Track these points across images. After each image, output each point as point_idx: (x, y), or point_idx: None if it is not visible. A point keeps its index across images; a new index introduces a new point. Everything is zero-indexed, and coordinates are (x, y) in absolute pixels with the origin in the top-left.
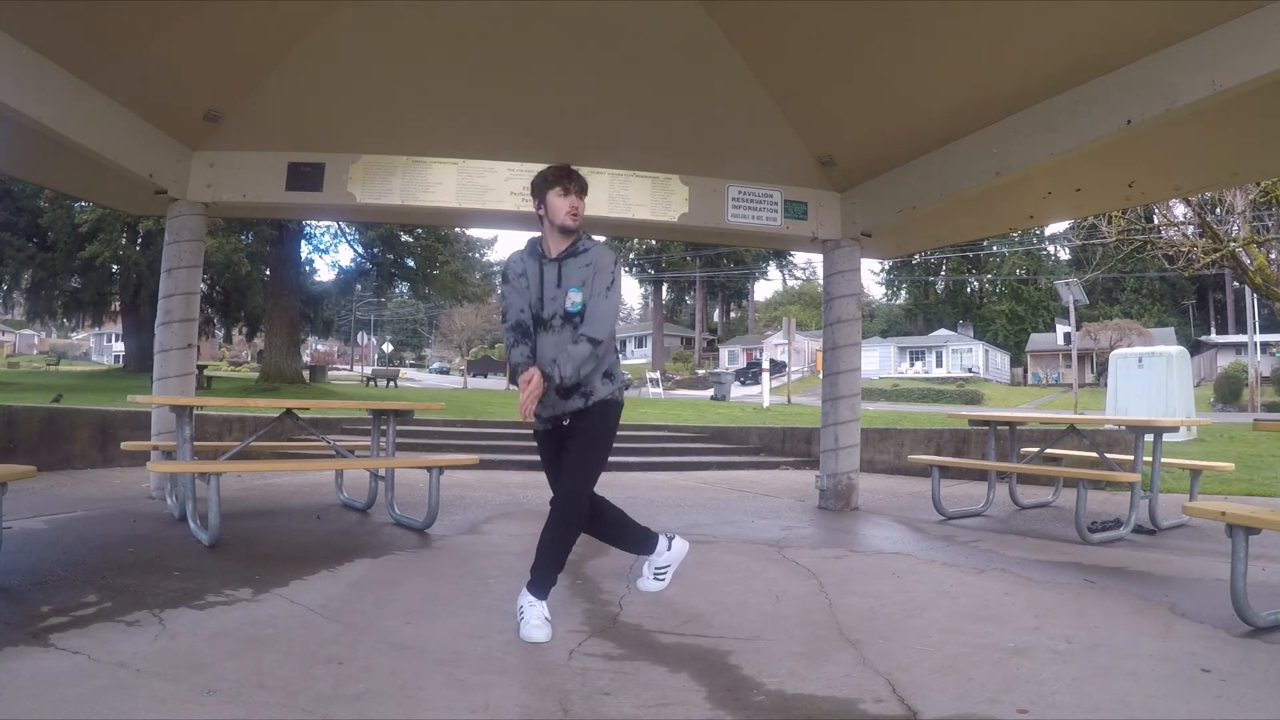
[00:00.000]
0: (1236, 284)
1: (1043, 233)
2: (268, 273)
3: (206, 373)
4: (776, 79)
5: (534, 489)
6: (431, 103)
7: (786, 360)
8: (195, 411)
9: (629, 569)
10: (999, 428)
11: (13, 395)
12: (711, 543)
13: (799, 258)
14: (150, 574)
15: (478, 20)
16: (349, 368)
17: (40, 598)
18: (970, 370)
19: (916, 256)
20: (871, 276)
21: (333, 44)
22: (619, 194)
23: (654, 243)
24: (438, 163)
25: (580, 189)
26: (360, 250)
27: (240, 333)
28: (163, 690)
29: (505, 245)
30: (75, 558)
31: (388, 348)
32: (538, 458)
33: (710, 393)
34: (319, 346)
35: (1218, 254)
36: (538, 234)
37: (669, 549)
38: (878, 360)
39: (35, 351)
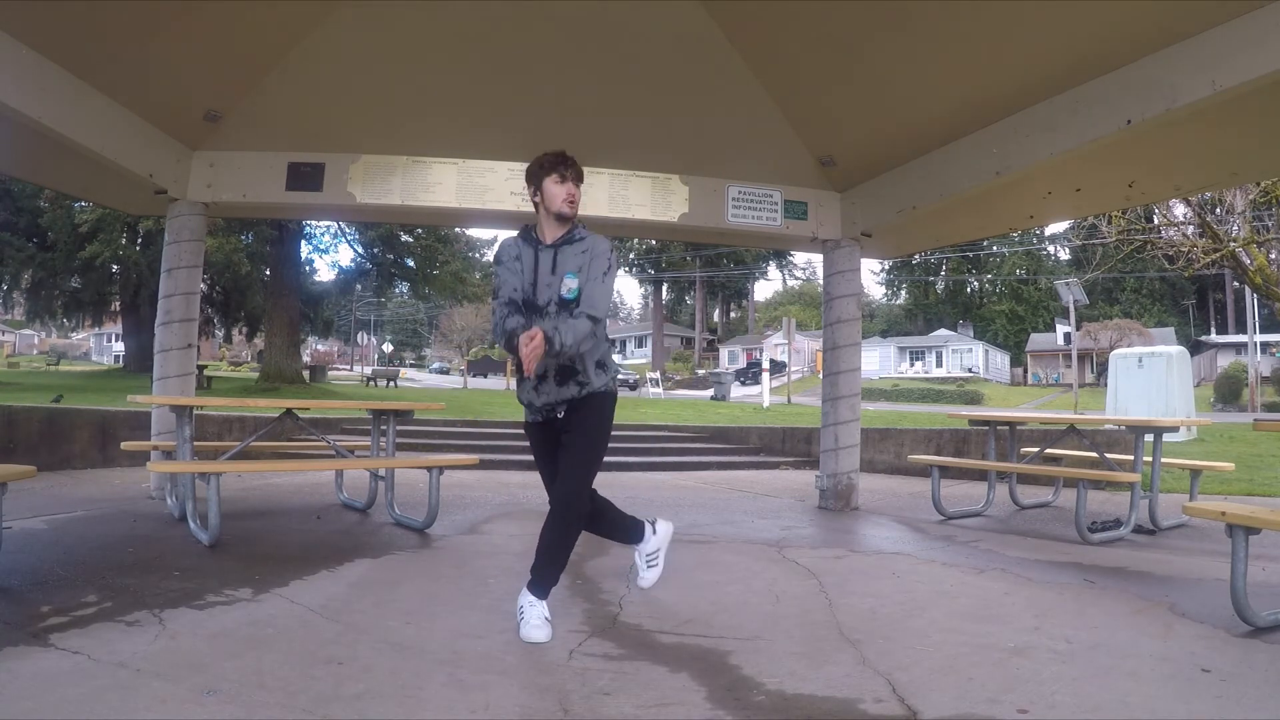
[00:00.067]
0: (1236, 284)
1: (1043, 233)
2: (268, 273)
3: (206, 373)
4: (776, 79)
5: (534, 489)
6: (431, 103)
7: (786, 360)
8: (195, 411)
9: (629, 569)
10: (999, 428)
11: (13, 395)
12: (711, 543)
13: (799, 258)
14: (150, 574)
15: (478, 20)
16: (349, 368)
17: (40, 598)
18: (970, 370)
19: (916, 256)
20: (871, 276)
21: (333, 44)
22: (619, 194)
23: (654, 243)
24: (438, 163)
25: (577, 176)
26: (360, 250)
27: (240, 333)
28: (163, 690)
29: None
30: (75, 558)
31: (388, 348)
32: None
33: (710, 393)
34: (319, 346)
35: (1218, 254)
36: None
37: (654, 533)
38: (878, 360)
39: (35, 351)
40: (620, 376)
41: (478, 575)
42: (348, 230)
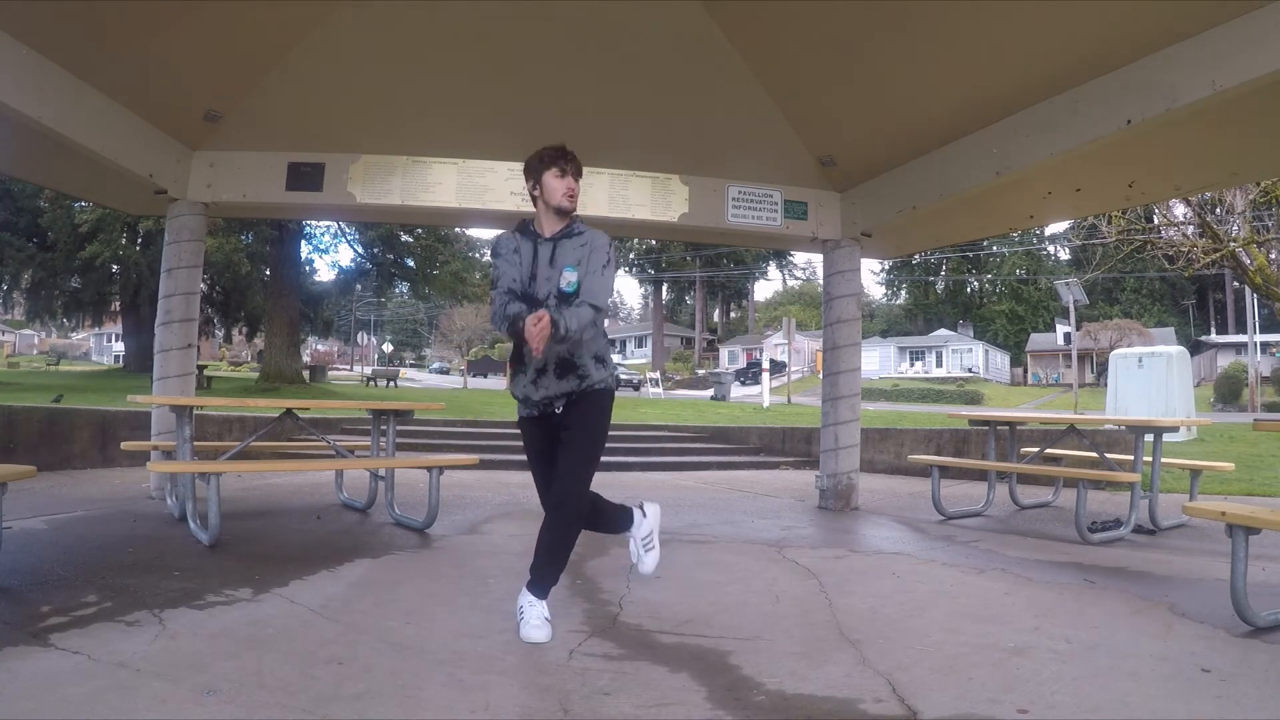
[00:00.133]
0: (1236, 284)
1: (1043, 233)
2: (268, 273)
3: (206, 373)
4: (776, 79)
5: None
6: (431, 103)
7: (786, 360)
8: (195, 411)
9: (629, 569)
10: (999, 428)
11: (13, 395)
12: (711, 543)
13: (799, 258)
14: (150, 574)
15: (478, 20)
16: (349, 368)
17: (40, 598)
18: (970, 370)
19: (916, 256)
20: (871, 276)
21: (333, 44)
22: (619, 194)
23: (654, 243)
24: (438, 163)
25: (576, 170)
26: (360, 250)
27: (240, 333)
28: (163, 690)
29: None
30: (75, 558)
31: (388, 348)
32: None
33: (710, 393)
34: (319, 346)
35: (1218, 254)
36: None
37: (644, 516)
38: (878, 360)
39: (35, 351)
40: (624, 377)
41: (478, 575)
42: (348, 230)
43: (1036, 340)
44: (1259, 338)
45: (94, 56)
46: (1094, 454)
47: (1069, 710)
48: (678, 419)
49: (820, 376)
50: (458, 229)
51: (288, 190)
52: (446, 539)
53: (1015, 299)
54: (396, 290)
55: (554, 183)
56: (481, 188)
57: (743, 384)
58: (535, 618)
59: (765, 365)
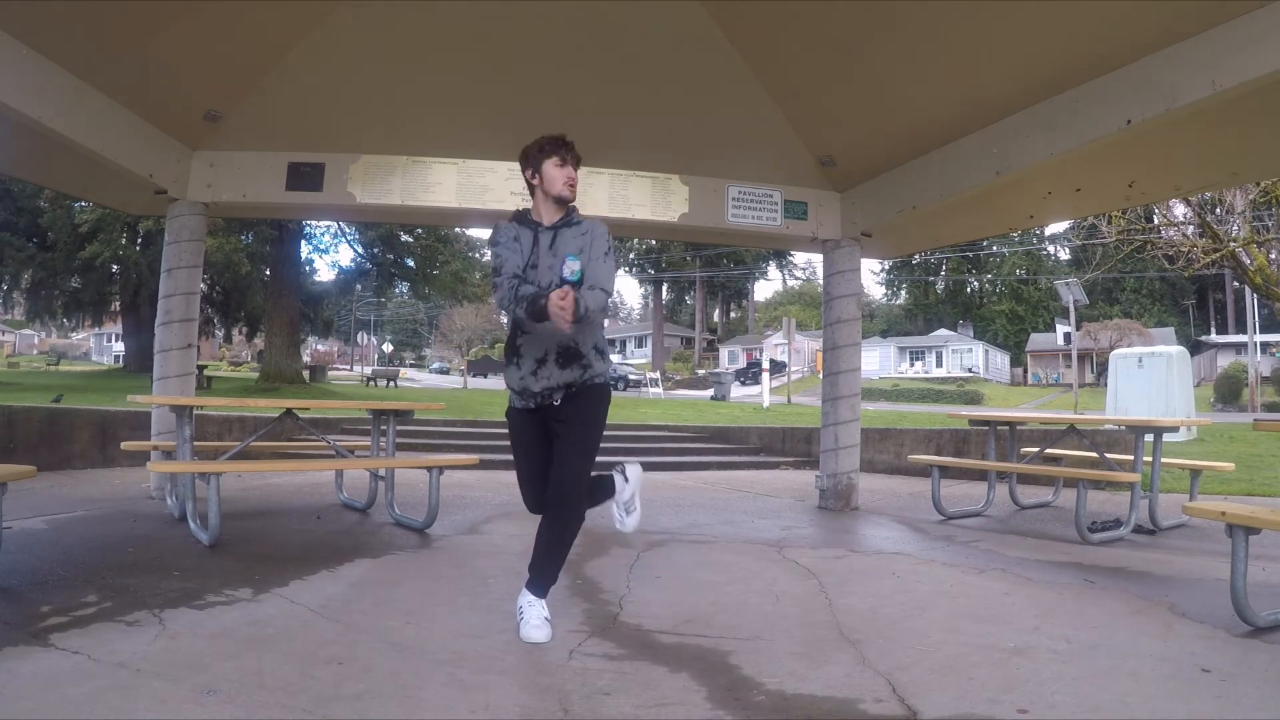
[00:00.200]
0: (1236, 284)
1: (1043, 233)
2: (268, 273)
3: (206, 373)
4: (776, 79)
5: None
6: (431, 103)
7: (786, 360)
8: (195, 411)
9: (629, 569)
10: (999, 428)
11: (13, 395)
12: (711, 543)
13: (799, 258)
14: (150, 574)
15: (478, 20)
16: (349, 368)
17: (40, 598)
18: (970, 370)
19: (916, 256)
20: (871, 276)
21: (333, 44)
22: (619, 194)
23: (654, 243)
24: (438, 163)
25: (576, 160)
26: (360, 250)
27: (240, 333)
28: (163, 690)
29: None
30: (75, 558)
31: (388, 348)
32: None
33: (710, 393)
34: (319, 346)
35: (1218, 254)
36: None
37: (626, 481)
38: (878, 360)
39: (35, 351)
40: (633, 376)
41: (478, 575)
42: (348, 230)
43: (1036, 340)
44: (1259, 338)
45: (94, 56)
46: (1094, 454)
47: (1069, 710)
48: (678, 419)
49: (820, 376)
50: (458, 229)
51: (288, 190)
52: (446, 539)
53: (1015, 299)
54: (396, 290)
55: (554, 172)
56: (481, 188)
57: (743, 384)
58: (535, 618)
59: (765, 365)
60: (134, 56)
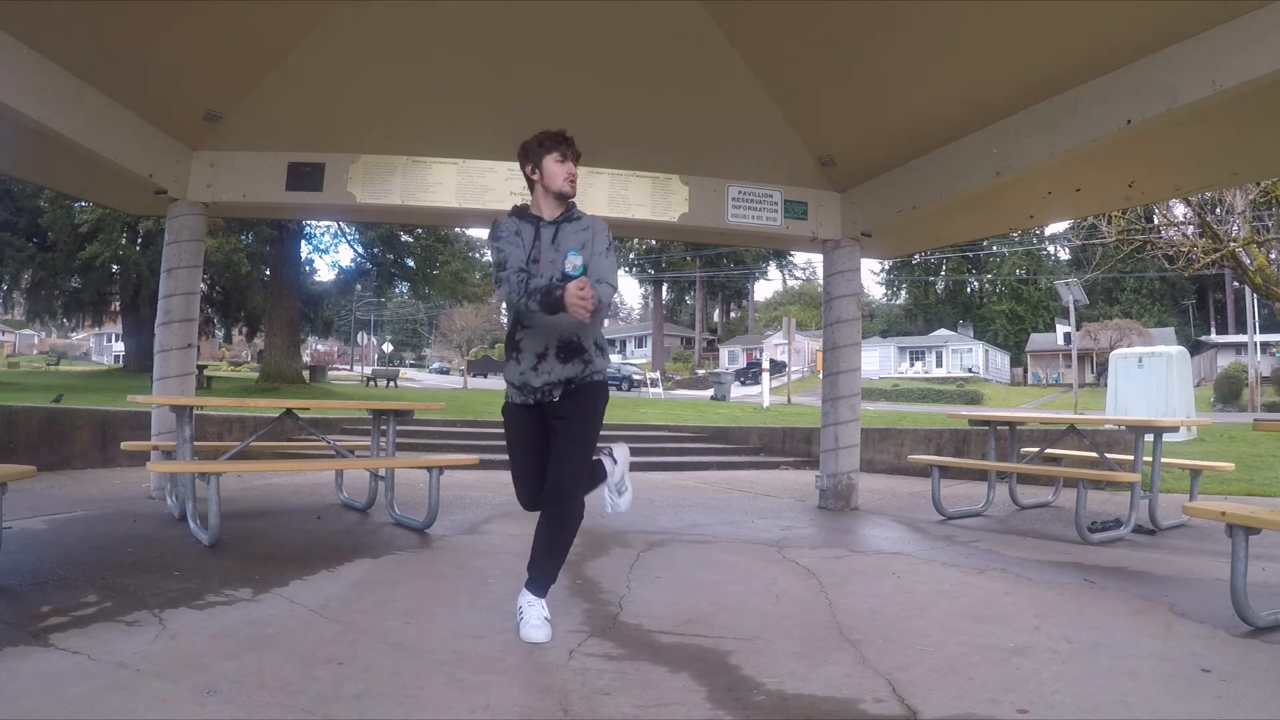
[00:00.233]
0: (1236, 284)
1: (1043, 233)
2: (268, 273)
3: (206, 373)
4: (776, 79)
5: None
6: (431, 103)
7: (786, 360)
8: (195, 411)
9: (629, 569)
10: (999, 428)
11: (13, 395)
12: (712, 543)
13: (799, 258)
14: (150, 574)
15: (478, 20)
16: (349, 368)
17: (40, 598)
18: (970, 370)
19: (916, 256)
20: (871, 276)
21: (333, 44)
22: (619, 194)
23: (654, 243)
24: (438, 163)
25: (575, 156)
26: (360, 250)
27: (240, 333)
28: (163, 690)
29: None
30: (75, 558)
31: (388, 348)
32: None
33: (710, 393)
34: (319, 346)
35: (1218, 254)
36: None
37: (615, 463)
38: (878, 360)
39: (35, 351)
40: (637, 376)
41: (478, 575)
42: (348, 230)
43: (1036, 340)
44: (1259, 338)
45: (94, 56)
46: (1094, 454)
47: (1069, 710)
48: (678, 419)
49: (820, 376)
50: (458, 229)
51: (288, 190)
52: (446, 539)
53: (1015, 299)
54: (396, 290)
55: (555, 167)
56: (481, 188)
57: (743, 384)
58: (535, 618)
59: (765, 365)
60: (134, 56)
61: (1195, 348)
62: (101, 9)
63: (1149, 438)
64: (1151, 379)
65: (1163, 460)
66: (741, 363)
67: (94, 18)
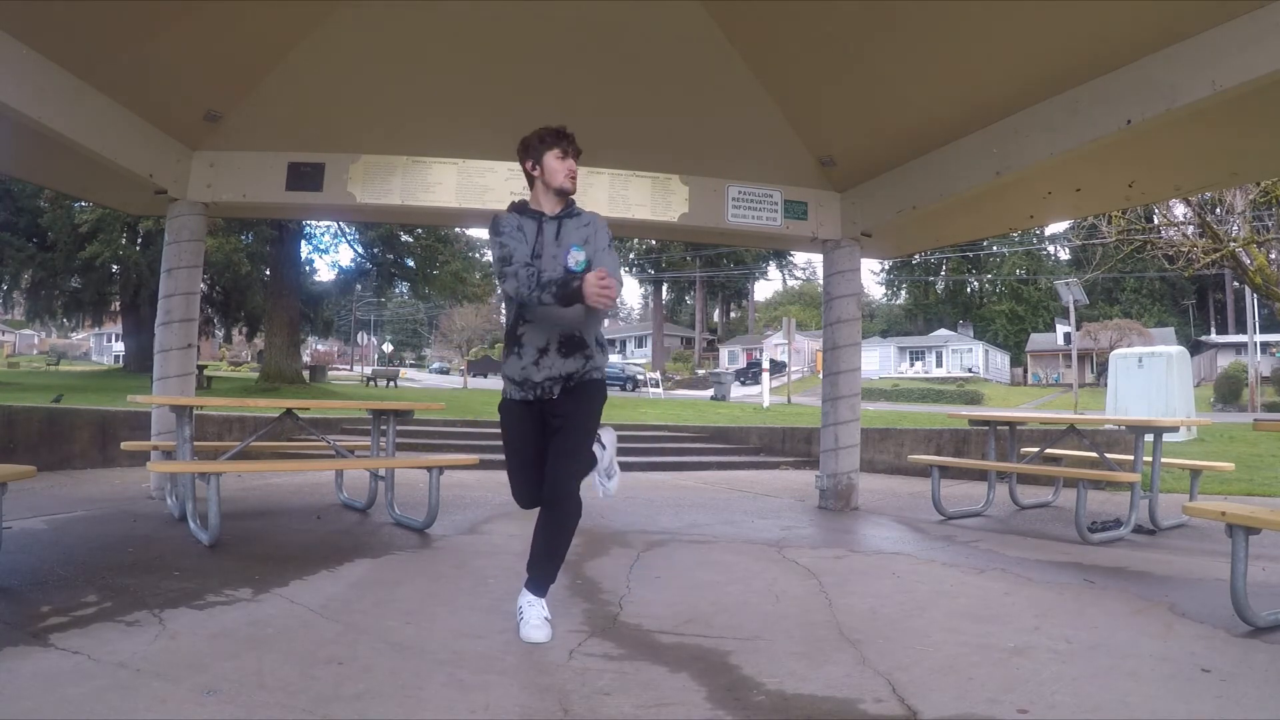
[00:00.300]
0: (1236, 284)
1: (1043, 233)
2: (268, 273)
3: (206, 373)
4: (776, 79)
5: None
6: (431, 103)
7: (786, 360)
8: (195, 411)
9: (629, 569)
10: (999, 428)
11: (13, 395)
12: (711, 543)
13: (799, 258)
14: (150, 574)
15: (478, 20)
16: (349, 368)
17: (40, 598)
18: (970, 370)
19: (916, 256)
20: (871, 276)
21: (333, 44)
22: (619, 194)
23: (654, 243)
24: (438, 163)
25: (576, 152)
26: (360, 250)
27: (240, 333)
28: (163, 690)
29: None
30: (75, 558)
31: (388, 348)
32: None
33: (710, 393)
34: (319, 346)
35: (1218, 254)
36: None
37: (604, 448)
38: (878, 360)
39: (35, 351)
40: (640, 376)
41: (478, 575)
42: (348, 230)
43: (1036, 340)
44: (1259, 338)
45: (94, 56)
46: (1094, 454)
47: (1069, 710)
48: (678, 419)
49: (820, 376)
50: (458, 229)
51: (288, 190)
52: (446, 539)
53: (1015, 299)
54: (396, 290)
55: (555, 164)
56: (481, 188)
57: (743, 384)
58: (535, 618)
59: (765, 365)
60: (134, 56)
61: (1195, 348)
62: (101, 9)
63: (1149, 438)
64: (1151, 379)
65: (1163, 460)
66: (741, 363)
67: (94, 18)
